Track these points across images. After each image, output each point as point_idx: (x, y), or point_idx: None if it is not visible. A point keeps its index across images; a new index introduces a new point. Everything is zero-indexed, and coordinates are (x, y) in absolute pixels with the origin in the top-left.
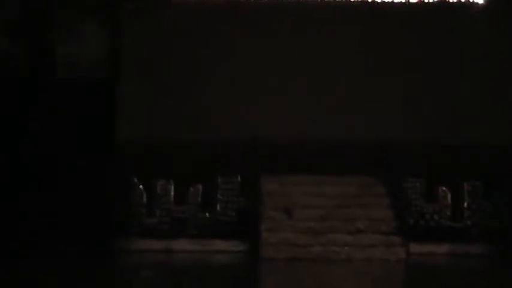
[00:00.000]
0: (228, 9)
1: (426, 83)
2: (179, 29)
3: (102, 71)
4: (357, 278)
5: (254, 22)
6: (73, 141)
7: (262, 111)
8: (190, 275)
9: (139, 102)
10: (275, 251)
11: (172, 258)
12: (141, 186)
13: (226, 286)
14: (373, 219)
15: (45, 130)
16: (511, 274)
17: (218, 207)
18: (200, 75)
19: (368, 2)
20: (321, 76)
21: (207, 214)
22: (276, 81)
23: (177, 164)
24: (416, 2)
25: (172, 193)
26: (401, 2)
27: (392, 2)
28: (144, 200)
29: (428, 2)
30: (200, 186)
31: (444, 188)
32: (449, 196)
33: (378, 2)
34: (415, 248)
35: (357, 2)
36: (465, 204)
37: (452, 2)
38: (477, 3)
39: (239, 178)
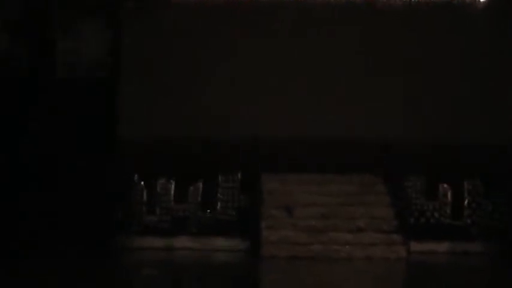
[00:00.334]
0: (228, 9)
1: (427, 83)
2: (179, 29)
3: (103, 71)
4: (357, 277)
5: (254, 22)
6: (73, 140)
7: (263, 110)
8: (190, 273)
9: (140, 102)
10: (276, 250)
11: (173, 257)
12: (141, 184)
13: (226, 284)
14: (374, 218)
15: (45, 130)
16: (511, 273)
17: (218, 205)
18: (200, 74)
19: (368, 1)
20: (322, 75)
21: (208, 213)
22: (277, 81)
23: (178, 163)
24: (417, 2)
25: (172, 192)
26: (402, 1)
27: (394, 1)
28: (145, 198)
29: (429, 2)
30: (200, 185)
31: (445, 186)
32: (449, 194)
33: (378, 2)
34: (415, 246)
35: (357, 1)
36: (465, 203)
37: (454, 1)
38: (479, 2)
39: (239, 177)
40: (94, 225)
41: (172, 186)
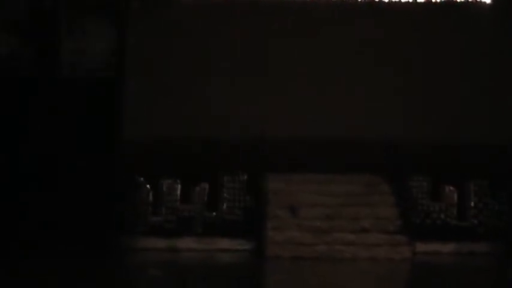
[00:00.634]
0: (231, 10)
1: (433, 83)
2: (183, 29)
3: (107, 71)
4: (362, 277)
5: (255, 22)
6: (76, 140)
7: (269, 110)
8: (195, 274)
9: (144, 102)
10: (280, 250)
11: (178, 257)
12: (147, 185)
13: (231, 285)
14: (379, 218)
15: (48, 129)
16: None
17: (224, 206)
18: (203, 74)
19: (369, 1)
20: (322, 75)
21: (213, 213)
22: (278, 81)
23: (183, 163)
24: (421, 2)
25: (178, 192)
26: (406, 1)
27: (398, 1)
28: (150, 198)
29: (433, 2)
30: (206, 185)
31: (451, 187)
32: (455, 195)
33: (380, 2)
34: (420, 247)
35: (358, 1)
36: (471, 203)
37: (458, 2)
38: (484, 2)
39: (245, 177)
40: (99, 225)
41: (179, 186)
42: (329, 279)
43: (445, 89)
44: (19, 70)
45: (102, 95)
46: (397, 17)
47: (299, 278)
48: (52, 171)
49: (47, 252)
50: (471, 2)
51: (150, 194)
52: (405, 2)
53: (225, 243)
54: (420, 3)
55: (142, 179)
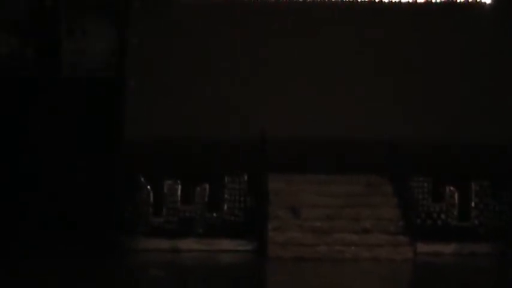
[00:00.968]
0: (232, 10)
1: (433, 83)
2: (184, 29)
3: (108, 71)
4: (363, 278)
5: (257, 22)
6: (78, 140)
7: (269, 110)
8: (196, 275)
9: (146, 102)
10: (282, 251)
11: (179, 258)
12: (148, 186)
13: (232, 285)
14: (380, 219)
15: (49, 129)
16: None
17: (225, 206)
18: (206, 74)
19: (369, 1)
20: (323, 75)
21: (214, 214)
22: (283, 81)
23: (184, 164)
24: (421, 2)
25: (179, 193)
26: (406, 1)
27: (399, 1)
28: (151, 199)
29: (433, 2)
30: (207, 186)
31: (452, 188)
32: (456, 195)
33: (380, 2)
34: (422, 247)
35: (359, 2)
36: (472, 204)
37: (458, 2)
38: (484, 2)
39: (246, 177)
40: (100, 225)
41: (179, 187)
42: (330, 279)
43: (445, 89)
44: (19, 70)
45: (102, 95)
46: (397, 17)
47: (300, 279)
48: (52, 171)
49: (47, 252)
50: (471, 2)
51: (151, 195)
52: (405, 2)
53: (226, 243)
54: (420, 3)
55: (143, 179)
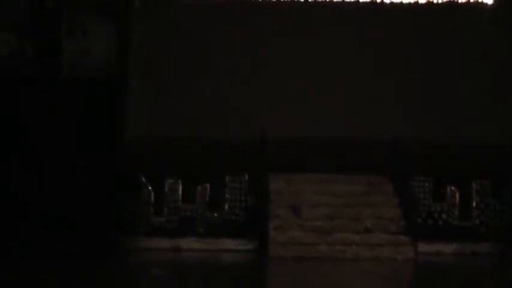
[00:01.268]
0: (233, 10)
1: (434, 83)
2: (184, 29)
3: (108, 71)
4: (364, 278)
5: (260, 22)
6: (79, 140)
7: (269, 110)
8: (197, 274)
9: (147, 102)
10: (282, 250)
11: (180, 257)
12: (149, 185)
13: (233, 285)
14: (381, 218)
15: (50, 129)
16: None
17: (226, 206)
18: (206, 74)
19: (369, 1)
20: (326, 75)
21: (215, 213)
22: (283, 81)
23: (185, 163)
24: (421, 2)
25: (180, 192)
26: (406, 1)
27: (399, 1)
28: (152, 198)
29: (433, 2)
30: (208, 185)
31: (452, 187)
32: (457, 195)
33: (380, 2)
34: (423, 247)
35: (359, 2)
36: (473, 203)
37: (458, 2)
38: (484, 3)
39: (247, 177)
40: (101, 225)
41: (180, 186)
42: (331, 279)
43: (445, 89)
44: (19, 70)
45: (102, 95)
46: (397, 17)
47: (301, 278)
48: (52, 171)
49: (47, 252)
50: (471, 2)
51: (152, 194)
52: (405, 2)
53: (226, 243)
54: (420, 3)
55: (144, 179)
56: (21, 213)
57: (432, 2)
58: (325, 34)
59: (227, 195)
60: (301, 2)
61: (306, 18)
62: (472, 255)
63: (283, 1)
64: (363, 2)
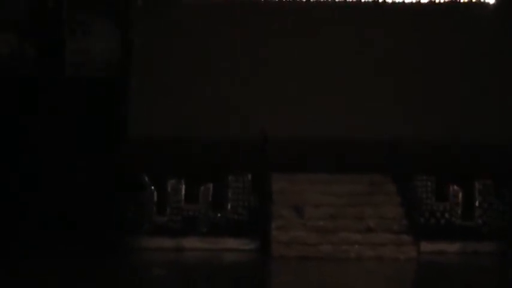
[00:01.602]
0: (234, 10)
1: (434, 83)
2: (184, 29)
3: (109, 71)
4: (367, 277)
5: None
6: (79, 140)
7: (269, 110)
8: (200, 273)
9: (151, 101)
10: (285, 250)
11: (183, 257)
12: (152, 185)
13: (236, 284)
14: (384, 218)
15: (50, 129)
16: None
17: (229, 205)
18: (206, 74)
19: (370, 1)
20: (326, 75)
21: (218, 213)
22: (283, 81)
23: (188, 163)
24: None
25: (183, 192)
26: (407, 1)
27: (399, 1)
28: (155, 198)
29: (434, 2)
30: (211, 185)
31: (455, 187)
32: (460, 194)
33: (380, 2)
34: (425, 246)
35: (359, 2)
36: (476, 203)
37: (458, 2)
38: (484, 2)
39: (250, 177)
40: (104, 224)
41: (183, 186)
42: (334, 279)
43: (445, 89)
44: (20, 70)
45: (103, 95)
46: (397, 17)
47: (304, 278)
48: (52, 171)
49: (47, 252)
50: (472, 2)
51: (155, 194)
52: (405, 2)
53: (229, 242)
54: (421, 3)
55: (147, 178)
56: (21, 213)
57: (432, 2)
58: (325, 34)
59: (230, 195)
60: (301, 2)
61: (306, 18)
62: (474, 254)
63: (283, 1)
64: (362, 2)
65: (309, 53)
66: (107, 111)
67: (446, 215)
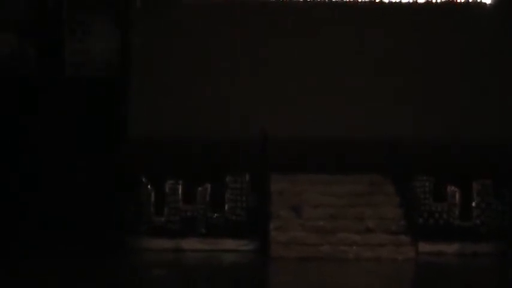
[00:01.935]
0: (235, 9)
1: (434, 83)
2: (184, 29)
3: (109, 71)
4: (365, 278)
5: (265, 22)
6: (79, 140)
7: (269, 110)
8: (199, 274)
9: (151, 101)
10: (284, 250)
11: (181, 257)
12: (149, 185)
13: (235, 285)
14: (383, 218)
15: (50, 129)
16: None
17: (227, 206)
18: (206, 74)
19: (369, 1)
20: (326, 75)
21: (216, 213)
22: (283, 81)
23: (186, 163)
24: (421, 2)
25: (180, 192)
26: (406, 1)
27: (399, 1)
28: (153, 199)
29: (433, 2)
30: (209, 185)
31: (453, 187)
32: (458, 195)
33: (380, 2)
34: (424, 247)
35: (359, 2)
36: (474, 204)
37: (458, 2)
38: (484, 3)
39: (248, 177)
40: (102, 225)
41: (181, 186)
42: (333, 279)
43: (445, 89)
44: (20, 70)
45: (103, 95)
46: (397, 17)
47: (303, 279)
48: (52, 171)
49: (47, 252)
50: (471, 2)
51: (153, 195)
52: (405, 2)
53: (228, 243)
54: (420, 3)
55: (144, 179)
56: (21, 213)
57: (432, 2)
58: (325, 34)
59: (228, 196)
60: (301, 2)
61: (306, 18)
62: (473, 255)
63: (283, 1)
64: (363, 2)
65: (309, 53)
66: (107, 111)
67: (445, 216)
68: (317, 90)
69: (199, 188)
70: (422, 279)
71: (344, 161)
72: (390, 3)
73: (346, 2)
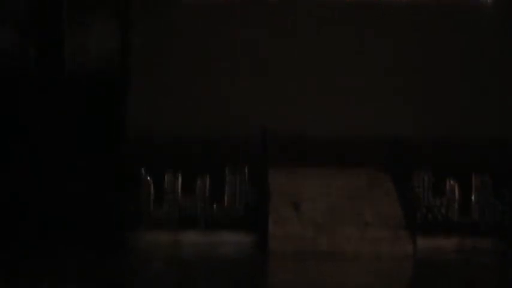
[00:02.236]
0: (235, 9)
1: (434, 82)
2: (184, 29)
3: (108, 70)
4: (364, 272)
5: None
6: (79, 140)
7: (269, 110)
8: (198, 267)
9: (151, 101)
10: (282, 244)
11: (180, 251)
12: (148, 178)
13: (233, 278)
14: (381, 213)
15: (50, 129)
16: None
17: (226, 199)
18: (208, 74)
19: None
20: (326, 75)
21: (215, 207)
22: (283, 81)
23: (185, 157)
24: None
25: (180, 185)
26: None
27: (399, 1)
28: (152, 192)
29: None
30: (208, 179)
31: (452, 182)
32: (457, 190)
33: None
34: (422, 242)
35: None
36: (473, 199)
37: (458, 2)
38: (484, 3)
39: (247, 171)
40: (101, 219)
41: (180, 180)
42: (331, 273)
43: (453, 85)
44: (20, 70)
45: (103, 95)
46: (397, 17)
47: (301, 273)
48: (52, 171)
49: (47, 252)
50: (471, 2)
51: (152, 187)
52: (405, 2)
53: (227, 237)
54: (420, 3)
55: (144, 173)
56: (21, 213)
57: (432, 2)
58: (325, 34)
59: (227, 189)
60: (301, 2)
61: (306, 18)
62: (472, 250)
63: (284, 1)
64: (363, 2)
65: (309, 53)
66: (107, 111)
67: (443, 211)
68: (317, 90)
69: (198, 181)
70: (420, 274)
71: (344, 160)
72: (390, 3)
73: (346, 2)
